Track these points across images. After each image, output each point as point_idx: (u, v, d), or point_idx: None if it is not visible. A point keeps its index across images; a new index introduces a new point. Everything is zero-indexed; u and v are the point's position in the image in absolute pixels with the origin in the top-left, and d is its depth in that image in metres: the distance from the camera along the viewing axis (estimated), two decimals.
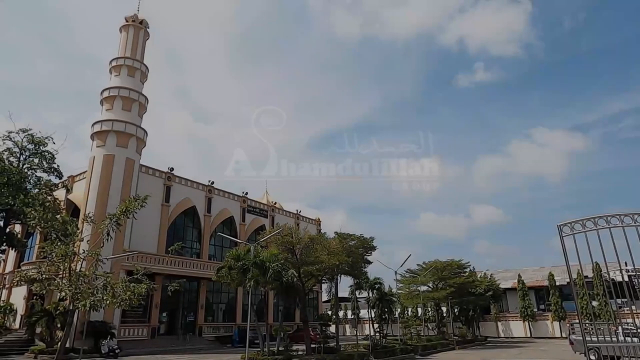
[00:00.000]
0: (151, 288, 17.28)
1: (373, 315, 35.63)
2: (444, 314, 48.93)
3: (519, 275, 50.01)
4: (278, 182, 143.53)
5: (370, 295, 33.37)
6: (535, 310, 48.80)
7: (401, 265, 33.84)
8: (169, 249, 20.06)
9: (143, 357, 25.53)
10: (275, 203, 51.34)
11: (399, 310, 40.81)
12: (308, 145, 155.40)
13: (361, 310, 53.23)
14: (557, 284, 46.65)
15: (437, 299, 42.34)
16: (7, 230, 26.23)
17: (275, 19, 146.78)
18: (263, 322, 28.56)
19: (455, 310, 47.61)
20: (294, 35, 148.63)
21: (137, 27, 37.50)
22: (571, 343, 23.55)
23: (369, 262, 29.28)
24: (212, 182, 41.25)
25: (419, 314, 52.06)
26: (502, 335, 50.25)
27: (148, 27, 38.63)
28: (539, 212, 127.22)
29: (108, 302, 15.61)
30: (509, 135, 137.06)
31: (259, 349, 23.37)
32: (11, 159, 24.88)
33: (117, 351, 25.56)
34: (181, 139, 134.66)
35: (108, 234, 16.54)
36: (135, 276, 16.95)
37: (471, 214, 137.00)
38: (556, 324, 46.77)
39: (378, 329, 33.81)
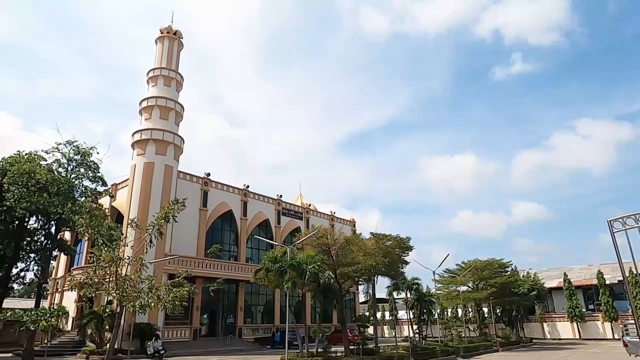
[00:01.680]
0: (192, 291, 17.77)
1: (412, 317, 35.10)
2: (486, 315, 47.53)
3: (565, 274, 47.94)
4: (311, 184, 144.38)
5: (408, 296, 32.88)
6: (584, 310, 46.61)
7: (439, 265, 33.25)
8: (208, 252, 20.56)
9: (187, 358, 26.26)
10: (310, 205, 51.61)
11: (438, 311, 39.92)
12: (339, 146, 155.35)
13: (399, 312, 52.61)
14: (607, 282, 44.37)
15: (478, 300, 41.21)
16: (58, 237, 27.63)
17: (302, 21, 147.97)
18: (301, 323, 28.67)
19: (498, 310, 46.20)
20: (321, 36, 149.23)
21: (171, 38, 38.76)
22: (625, 345, 22.29)
23: (406, 263, 28.88)
24: (247, 186, 41.98)
25: (459, 315, 50.88)
26: (549, 336, 48.25)
27: (182, 38, 39.85)
28: (585, 207, 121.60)
29: (153, 304, 16.16)
30: (549, 128, 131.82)
31: (298, 351, 23.55)
32: (60, 169, 26.23)
33: (162, 352, 26.37)
34: (214, 143, 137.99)
35: (150, 241, 17.14)
36: (177, 279, 17.47)
37: (511, 211, 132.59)
38: (607, 324, 44.49)
39: (417, 330, 33.25)
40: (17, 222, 25.45)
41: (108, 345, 19.10)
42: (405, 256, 28.25)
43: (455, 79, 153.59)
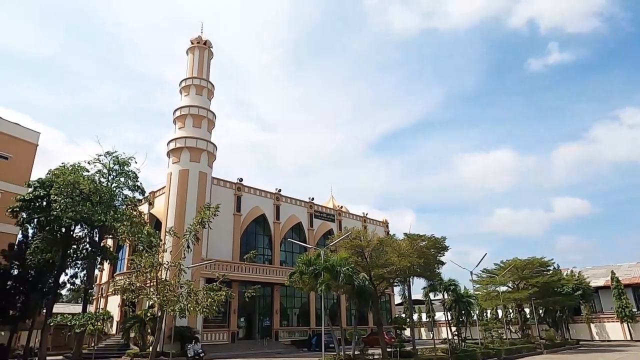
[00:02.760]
0: (229, 295, 18.09)
1: (450, 318, 34.36)
2: (528, 316, 45.87)
3: (613, 272, 45.61)
4: (342, 186, 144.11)
5: (446, 297, 32.20)
6: (635, 310, 44.15)
7: (477, 265, 32.44)
8: (245, 257, 20.87)
9: None
10: (342, 207, 51.53)
11: (477, 312, 38.89)
12: (369, 146, 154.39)
13: (436, 313, 51.60)
14: None
15: (519, 300, 39.84)
16: (102, 244, 28.85)
17: (329, 22, 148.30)
18: (337, 326, 28.64)
19: (540, 311, 44.51)
20: (348, 38, 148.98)
21: (201, 48, 39.75)
22: None
23: (442, 263, 28.36)
24: (280, 190, 42.41)
25: (500, 316, 49.37)
26: (597, 338, 46.00)
27: (211, 47, 40.80)
28: (633, 200, 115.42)
29: (192, 309, 16.55)
30: (591, 119, 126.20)
31: (335, 353, 23.49)
32: (101, 179, 27.44)
33: (202, 355, 26.97)
34: (244, 148, 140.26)
35: (188, 246, 17.58)
36: (214, 283, 17.82)
37: (552, 207, 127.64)
38: None
39: (456, 332, 32.50)
40: (63, 231, 26.77)
41: (151, 348, 19.73)
42: (440, 256, 27.75)
43: (488, 73, 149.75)
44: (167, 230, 20.10)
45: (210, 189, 35.32)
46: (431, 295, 33.02)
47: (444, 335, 46.10)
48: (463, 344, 30.60)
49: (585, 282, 45.37)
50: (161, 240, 21.27)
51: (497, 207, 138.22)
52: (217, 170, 37.08)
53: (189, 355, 27.01)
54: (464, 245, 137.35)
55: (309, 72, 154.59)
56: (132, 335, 29.80)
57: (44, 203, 26.08)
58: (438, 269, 28.68)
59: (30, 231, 29.74)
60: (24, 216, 26.88)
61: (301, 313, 41.14)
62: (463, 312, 31.20)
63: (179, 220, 30.96)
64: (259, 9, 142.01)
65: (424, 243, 25.92)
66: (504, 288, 40.91)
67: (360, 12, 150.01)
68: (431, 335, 37.82)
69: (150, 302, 21.42)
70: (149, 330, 27.83)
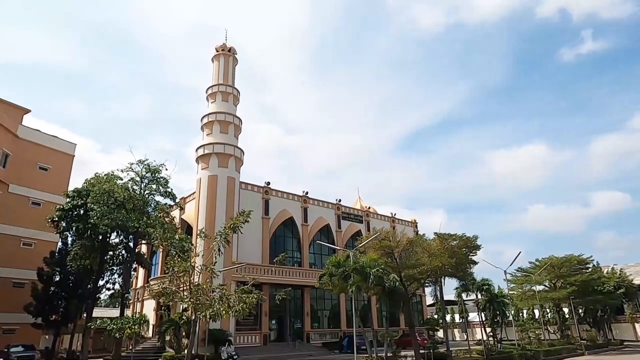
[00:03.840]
0: (260, 297, 18.28)
1: (484, 319, 33.53)
2: (567, 316, 44.25)
3: None
4: (369, 187, 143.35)
5: (479, 297, 31.45)
6: None
7: (511, 264, 31.51)
8: (274, 260, 21.06)
9: None
10: (369, 208, 51.23)
11: (512, 312, 37.77)
12: (395, 146, 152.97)
13: (470, 314, 50.46)
14: None
15: (557, 299, 38.52)
16: (136, 250, 29.75)
17: (351, 24, 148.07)
18: (368, 327, 28.43)
19: (580, 311, 42.83)
20: (372, 37, 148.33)
21: (226, 55, 40.42)
22: None
23: (475, 263, 27.76)
24: (307, 192, 42.56)
25: (537, 316, 47.81)
26: None
27: (236, 54, 41.43)
28: None
29: (225, 312, 16.81)
30: (629, 109, 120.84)
31: (367, 355, 23.34)
32: (134, 187, 28.34)
33: (235, 357, 27.36)
34: (270, 152, 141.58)
35: (219, 250, 17.88)
36: (245, 287, 18.05)
37: (590, 202, 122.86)
38: None
39: (491, 333, 31.68)
40: (100, 238, 27.77)
41: (186, 351, 20.15)
42: (472, 256, 27.18)
43: (517, 66, 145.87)
44: (199, 232, 20.49)
45: (239, 193, 35.81)
46: (464, 295, 32.31)
47: (478, 337, 45.02)
48: (499, 345, 29.80)
49: (628, 279, 43.35)
50: (193, 245, 21.71)
51: (531, 203, 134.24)
52: (244, 175, 37.62)
53: (223, 358, 27.41)
54: (497, 244, 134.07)
55: (333, 74, 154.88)
56: (167, 338, 30.52)
57: (82, 211, 27.15)
58: (470, 268, 28.09)
59: (70, 239, 31.09)
60: (64, 225, 28.07)
61: (332, 315, 41.10)
62: (498, 312, 30.36)
63: (209, 224, 31.52)
64: (282, 14, 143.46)
65: (455, 242, 25.45)
66: (540, 287, 39.63)
67: (383, 11, 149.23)
68: (465, 337, 37.05)
69: (184, 306, 21.92)
70: (184, 333, 28.43)
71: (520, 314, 51.17)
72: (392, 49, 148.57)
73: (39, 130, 37.69)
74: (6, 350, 26.46)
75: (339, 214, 45.30)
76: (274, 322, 36.71)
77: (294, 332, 37.15)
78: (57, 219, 27.64)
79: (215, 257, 18.14)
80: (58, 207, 28.26)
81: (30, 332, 30.82)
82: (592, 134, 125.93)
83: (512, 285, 40.08)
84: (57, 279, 30.48)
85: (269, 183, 39.55)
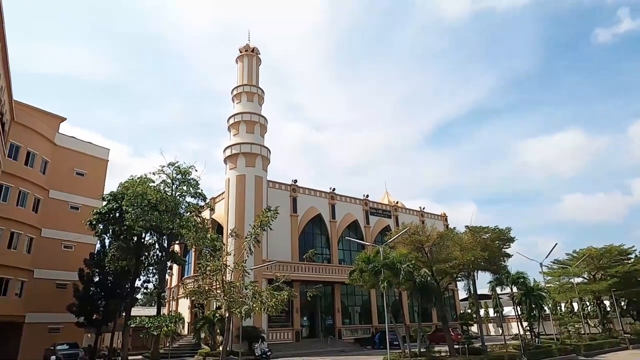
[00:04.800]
0: (292, 294, 18.46)
1: (519, 313, 32.68)
2: (608, 309, 42.57)
3: None
4: (396, 181, 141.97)
5: (514, 290, 30.66)
6: None
7: (547, 256, 30.71)
8: (304, 257, 21.20)
9: (291, 359, 27.28)
10: (397, 202, 50.76)
11: (550, 306, 36.65)
12: (421, 139, 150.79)
13: (504, 308, 49.29)
14: None
15: (597, 292, 37.13)
16: (170, 250, 30.56)
17: (374, 18, 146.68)
18: (400, 323, 28.24)
19: (622, 303, 41.12)
20: (391, 31, 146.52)
21: (250, 56, 40.84)
22: None
23: (508, 256, 27.11)
24: (334, 189, 42.57)
25: (576, 310, 46.23)
26: None
27: (259, 54, 41.79)
28: None
29: (257, 309, 17.07)
30: None
31: (400, 351, 23.20)
32: (166, 189, 29.09)
33: (268, 353, 27.69)
34: (295, 150, 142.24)
35: (250, 249, 18.15)
36: (276, 284, 18.27)
37: (632, 189, 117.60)
38: None
39: (528, 328, 30.85)
40: (135, 239, 28.67)
41: (221, 347, 20.60)
42: (506, 248, 26.57)
43: (548, 51, 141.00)
44: (230, 232, 20.84)
45: (267, 191, 36.19)
46: (498, 289, 31.55)
47: (514, 331, 44.00)
48: (537, 339, 29.00)
49: None
50: (224, 244, 22.13)
51: (567, 193, 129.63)
52: (271, 174, 38.00)
53: (257, 354, 27.82)
54: (532, 236, 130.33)
55: (357, 69, 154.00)
56: (202, 335, 31.22)
57: (117, 214, 28.08)
58: (504, 261, 27.43)
59: (107, 241, 32.26)
60: (101, 227, 29.13)
61: (362, 311, 41.04)
62: (534, 306, 29.51)
63: (239, 223, 32.01)
64: (304, 10, 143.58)
65: (487, 235, 24.92)
66: (578, 279, 38.31)
67: (406, 1, 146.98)
68: (500, 331, 36.25)
69: (218, 304, 22.38)
70: (218, 331, 29.03)
71: (558, 308, 49.63)
72: (417, 41, 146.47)
73: (74, 137, 39.17)
74: (52, 348, 27.72)
75: (367, 209, 45.11)
76: (305, 318, 36.99)
77: (326, 328, 37.31)
78: (94, 222, 28.69)
79: (246, 255, 18.41)
80: (95, 210, 29.35)
81: (74, 331, 32.19)
82: (631, 118, 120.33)
83: (549, 277, 38.92)
84: (97, 279, 31.65)
85: (295, 181, 39.79)
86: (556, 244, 30.06)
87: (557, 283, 39.58)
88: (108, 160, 40.95)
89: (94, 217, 28.69)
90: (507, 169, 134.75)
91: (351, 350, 32.86)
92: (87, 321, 31.51)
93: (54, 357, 26.76)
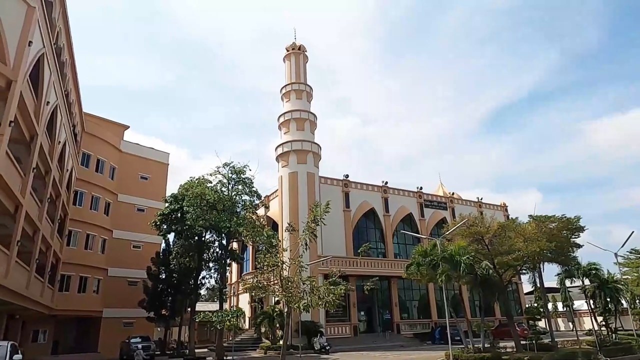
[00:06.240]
0: (348, 289, 18.46)
1: (593, 307, 30.53)
2: None
3: None
4: (451, 173, 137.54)
5: (586, 283, 28.66)
6: None
7: (622, 246, 28.21)
8: (359, 251, 21.12)
9: (350, 354, 27.32)
10: (453, 194, 49.20)
11: (628, 299, 33.86)
12: (478, 127, 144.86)
13: (575, 302, 46.31)
14: None
15: None
16: (229, 247, 31.69)
17: (419, 5, 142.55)
18: (461, 318, 27.39)
19: None
20: (441, 17, 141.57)
21: (297, 54, 41.22)
22: None
23: (578, 246, 25.34)
24: (386, 182, 42.05)
25: None
26: None
27: (306, 51, 42.04)
28: None
29: (315, 304, 17.26)
30: None
31: (462, 346, 22.50)
32: (222, 189, 30.14)
33: (327, 347, 28.00)
34: (347, 144, 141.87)
35: (306, 244, 18.36)
36: (333, 278, 18.35)
37: None
38: None
39: (603, 323, 28.74)
40: (197, 238, 30.00)
41: (281, 341, 21.07)
42: (575, 238, 24.86)
43: (614, 23, 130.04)
44: (286, 227, 21.17)
45: (319, 188, 36.43)
46: (567, 282, 29.66)
47: (587, 327, 41.23)
48: (614, 335, 26.96)
49: None
50: (279, 241, 22.60)
51: None
52: (323, 169, 38.18)
53: (316, 348, 28.20)
54: (604, 224, 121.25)
55: (405, 60, 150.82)
56: (263, 330, 32.15)
57: (179, 215, 29.51)
58: (573, 252, 25.70)
59: (171, 240, 34.10)
60: (165, 227, 30.77)
61: (421, 305, 40.28)
62: (610, 299, 27.43)
63: (293, 220, 32.42)
64: (347, 5, 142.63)
65: (553, 225, 23.46)
66: None
67: None
68: (571, 327, 34.10)
69: (276, 299, 22.91)
70: (277, 325, 29.75)
71: (638, 301, 45.80)
72: (465, 26, 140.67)
73: (138, 144, 41.65)
74: (127, 341, 29.79)
75: (421, 202, 44.14)
76: (362, 313, 36.92)
77: (383, 323, 37.03)
78: (159, 222, 30.37)
79: (303, 250, 18.64)
80: (159, 212, 31.07)
81: (145, 325, 34.40)
82: None
83: (625, 269, 36.02)
84: (163, 276, 33.57)
85: (347, 176, 39.74)
86: (633, 232, 27.55)
87: (636, 274, 36.51)
88: (168, 164, 43.12)
89: (158, 218, 30.36)
90: (573, 154, 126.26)
91: (410, 345, 32.34)
92: (156, 316, 33.56)
93: (135, 347, 28.34)
